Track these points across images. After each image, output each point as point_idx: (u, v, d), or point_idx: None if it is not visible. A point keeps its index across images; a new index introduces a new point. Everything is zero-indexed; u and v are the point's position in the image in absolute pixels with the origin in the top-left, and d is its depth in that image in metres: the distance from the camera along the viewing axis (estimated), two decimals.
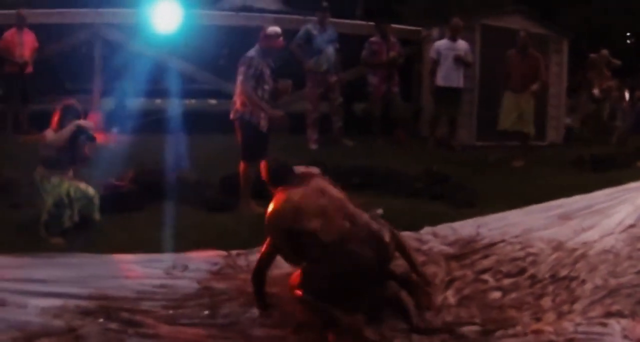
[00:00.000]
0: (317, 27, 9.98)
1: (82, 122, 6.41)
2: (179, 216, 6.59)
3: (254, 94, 6.87)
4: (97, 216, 6.50)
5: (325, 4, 10.05)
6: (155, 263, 5.48)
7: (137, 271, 5.37)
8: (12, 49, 10.38)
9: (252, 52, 7.05)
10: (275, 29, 7.19)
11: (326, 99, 10.21)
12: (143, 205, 7.13)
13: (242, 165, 7.02)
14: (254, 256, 5.34)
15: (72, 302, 4.70)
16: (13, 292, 4.82)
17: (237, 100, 6.98)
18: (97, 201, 6.49)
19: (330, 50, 9.98)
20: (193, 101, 13.34)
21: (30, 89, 10.44)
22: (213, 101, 13.87)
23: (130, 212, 6.90)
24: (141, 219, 6.74)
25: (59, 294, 4.86)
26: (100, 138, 9.39)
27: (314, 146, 9.98)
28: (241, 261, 5.53)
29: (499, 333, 4.27)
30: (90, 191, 6.44)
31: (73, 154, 6.38)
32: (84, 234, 6.10)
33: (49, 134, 6.40)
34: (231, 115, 7.05)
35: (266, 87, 6.97)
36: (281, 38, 7.21)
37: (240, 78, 6.90)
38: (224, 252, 5.67)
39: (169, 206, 6.87)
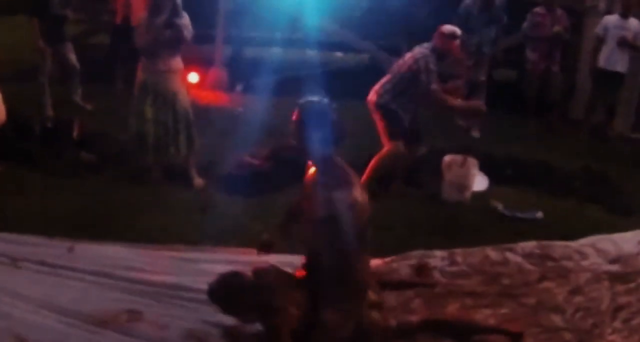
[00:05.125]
0: (477, 4, 9.61)
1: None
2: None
3: (443, 94, 6.85)
4: (181, 151, 6.91)
5: None
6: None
7: None
8: None
9: (422, 49, 6.89)
10: (452, 28, 6.94)
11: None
12: (281, 187, 6.90)
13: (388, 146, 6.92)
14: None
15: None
16: (151, 301, 4.78)
17: (381, 88, 6.95)
18: (180, 137, 6.84)
19: (487, 31, 9.70)
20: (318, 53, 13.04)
21: None
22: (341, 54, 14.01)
23: (267, 195, 6.82)
24: (279, 204, 6.42)
25: (197, 308, 4.72)
26: (224, 99, 9.62)
27: (476, 134, 9.87)
28: None
29: None
30: (169, 120, 6.76)
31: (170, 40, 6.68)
32: (214, 228, 5.88)
33: (144, 19, 6.76)
34: (373, 98, 6.97)
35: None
36: (458, 41, 6.96)
37: (423, 83, 6.75)
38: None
39: None
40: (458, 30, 6.95)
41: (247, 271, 4.33)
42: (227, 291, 4.25)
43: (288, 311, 4.02)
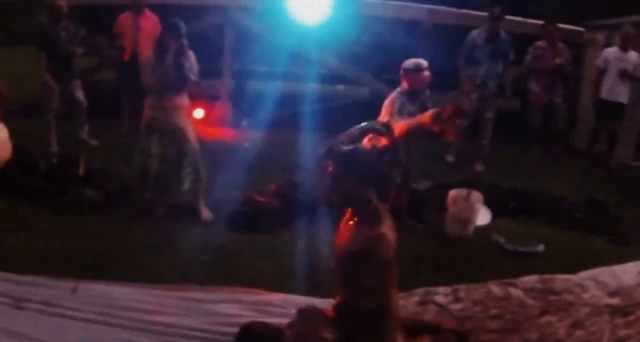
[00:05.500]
0: (483, 35, 9.69)
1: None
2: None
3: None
4: (185, 186, 6.89)
5: (497, 9, 9.60)
6: None
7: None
8: (125, 35, 10.16)
9: (393, 94, 6.74)
10: (415, 61, 6.71)
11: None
12: (288, 224, 6.97)
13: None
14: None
15: None
16: None
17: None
18: (184, 172, 6.85)
19: (492, 65, 9.70)
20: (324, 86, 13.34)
21: None
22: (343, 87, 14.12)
23: (273, 232, 6.81)
24: (286, 241, 6.60)
25: None
26: (230, 135, 9.51)
27: (450, 158, 10.00)
28: None
29: None
30: (175, 156, 6.81)
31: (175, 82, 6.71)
32: (221, 268, 5.95)
33: (150, 59, 6.83)
34: None
35: None
36: (425, 72, 6.68)
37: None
38: None
39: (314, 228, 6.72)
40: (423, 61, 6.70)
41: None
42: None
43: None
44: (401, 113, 6.57)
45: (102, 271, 5.66)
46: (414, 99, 6.72)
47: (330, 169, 4.06)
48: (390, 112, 6.62)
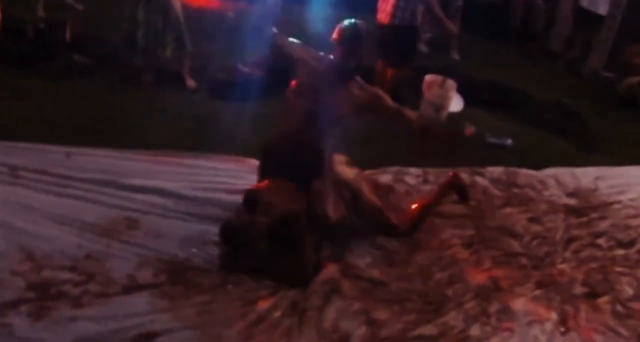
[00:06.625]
0: None
1: None
2: None
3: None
4: (167, 52, 6.96)
5: None
6: None
7: None
8: None
9: None
10: None
11: None
12: (271, 94, 6.78)
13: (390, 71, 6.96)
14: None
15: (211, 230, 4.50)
16: (148, 208, 4.74)
17: (391, 7, 6.78)
18: (167, 39, 6.90)
19: None
20: None
21: None
22: None
23: (257, 102, 6.78)
24: (270, 111, 6.51)
25: (194, 214, 4.77)
26: (214, 3, 9.24)
27: (423, 48, 9.76)
28: None
29: None
30: (159, 23, 6.82)
31: None
32: (206, 134, 6.01)
33: None
34: (385, 19, 6.82)
35: None
36: None
37: None
38: None
39: None
40: None
41: None
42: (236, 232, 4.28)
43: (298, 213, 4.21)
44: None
45: (93, 136, 5.64)
46: None
47: (334, 38, 4.56)
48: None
